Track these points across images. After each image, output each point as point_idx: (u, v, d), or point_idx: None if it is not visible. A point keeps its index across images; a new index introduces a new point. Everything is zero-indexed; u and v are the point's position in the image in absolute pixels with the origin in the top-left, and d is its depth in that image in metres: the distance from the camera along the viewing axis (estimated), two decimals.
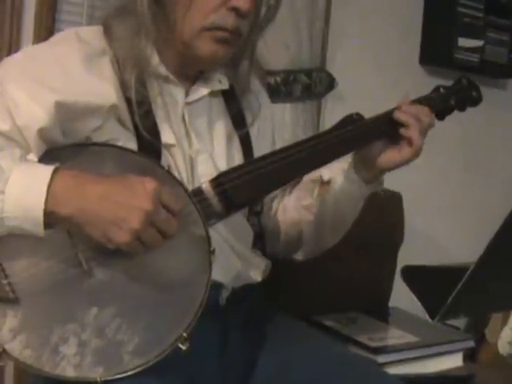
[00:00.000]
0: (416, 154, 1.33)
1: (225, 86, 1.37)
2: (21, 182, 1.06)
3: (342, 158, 1.35)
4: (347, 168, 1.38)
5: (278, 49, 2.14)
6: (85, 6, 1.94)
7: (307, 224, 1.45)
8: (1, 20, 1.82)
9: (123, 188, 1.08)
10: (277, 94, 2.17)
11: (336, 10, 2.31)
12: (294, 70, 2.22)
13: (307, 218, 1.45)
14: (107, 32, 1.26)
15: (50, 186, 1.06)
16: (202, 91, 1.33)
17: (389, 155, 1.34)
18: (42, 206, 1.05)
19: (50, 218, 1.07)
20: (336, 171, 1.40)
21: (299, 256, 1.51)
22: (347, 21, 2.37)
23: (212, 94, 1.35)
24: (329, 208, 1.41)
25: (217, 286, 1.28)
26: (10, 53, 1.80)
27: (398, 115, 1.33)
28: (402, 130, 1.32)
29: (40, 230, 1.07)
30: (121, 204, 1.07)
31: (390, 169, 1.35)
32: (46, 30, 1.87)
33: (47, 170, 1.07)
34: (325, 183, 1.42)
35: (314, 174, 1.42)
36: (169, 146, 1.26)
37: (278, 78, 2.19)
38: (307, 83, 2.24)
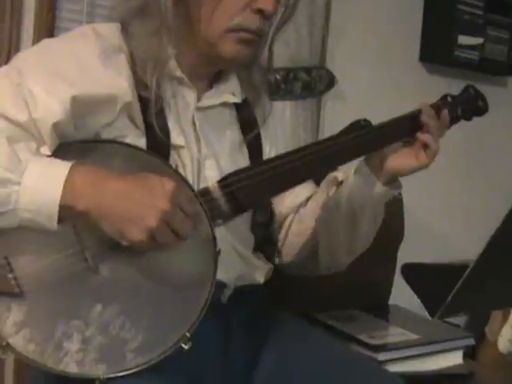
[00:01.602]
0: (432, 160, 1.32)
1: (238, 99, 1.37)
2: (38, 175, 1.06)
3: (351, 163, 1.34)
4: (362, 168, 1.36)
5: (277, 46, 2.13)
6: (85, 4, 1.94)
7: (322, 229, 1.42)
8: (0, 19, 1.82)
9: (142, 187, 1.09)
10: (277, 91, 2.17)
11: (336, 7, 2.30)
12: (293, 68, 2.22)
13: (323, 221, 1.41)
14: (124, 30, 1.26)
15: (67, 180, 1.06)
16: (214, 100, 1.33)
17: (405, 160, 1.32)
18: (57, 200, 1.06)
19: (65, 213, 1.07)
20: (351, 171, 1.38)
21: (315, 271, 1.48)
22: (347, 18, 2.37)
23: (224, 104, 1.36)
24: (343, 207, 1.37)
25: (219, 285, 1.27)
26: (9, 52, 1.80)
27: (424, 118, 1.32)
28: (420, 135, 1.31)
29: (53, 224, 1.07)
30: (139, 202, 1.07)
31: (406, 174, 1.34)
32: (46, 28, 1.87)
33: (65, 165, 1.08)
34: (340, 183, 1.40)
35: (329, 176, 1.41)
36: (178, 147, 1.26)
37: (278, 76, 2.19)
38: (307, 81, 2.24)
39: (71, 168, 1.07)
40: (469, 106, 1.43)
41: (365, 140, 1.32)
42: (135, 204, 1.07)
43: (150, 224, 1.06)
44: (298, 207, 1.47)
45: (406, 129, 1.34)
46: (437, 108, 1.38)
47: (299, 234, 1.45)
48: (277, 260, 1.48)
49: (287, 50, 2.20)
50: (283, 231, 1.47)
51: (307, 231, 1.44)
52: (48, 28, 1.87)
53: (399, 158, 1.33)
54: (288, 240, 1.47)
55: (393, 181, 1.36)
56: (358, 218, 1.37)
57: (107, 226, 1.08)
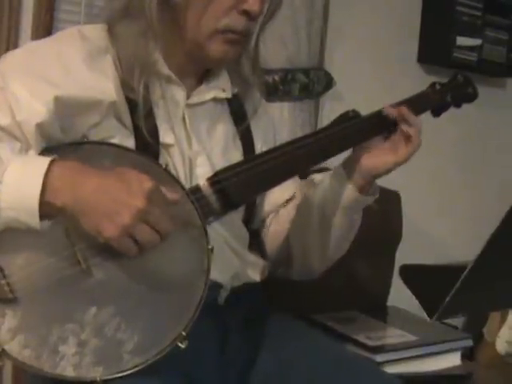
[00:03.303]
0: (412, 153, 1.31)
1: (228, 95, 1.37)
2: (18, 173, 1.06)
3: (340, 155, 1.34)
4: (339, 171, 1.35)
5: (276, 47, 2.14)
6: (83, 5, 1.94)
7: (294, 230, 1.42)
8: None
9: (119, 183, 1.08)
10: (275, 92, 2.17)
11: (334, 8, 2.31)
12: (292, 69, 2.22)
13: (295, 222, 1.41)
14: (111, 31, 1.26)
15: (46, 176, 1.06)
16: (204, 96, 1.33)
17: (383, 158, 1.31)
18: (37, 196, 1.05)
19: (46, 209, 1.07)
20: (327, 174, 1.38)
21: (289, 275, 1.48)
22: (345, 20, 2.37)
23: (215, 99, 1.36)
24: (315, 210, 1.37)
25: (216, 286, 1.28)
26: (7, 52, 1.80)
27: (402, 111, 1.31)
28: (405, 127, 1.31)
29: (35, 221, 1.06)
30: (115, 198, 1.07)
31: (382, 172, 1.32)
32: (44, 29, 1.87)
33: (44, 161, 1.08)
34: (315, 184, 1.40)
35: (308, 178, 1.42)
36: (167, 146, 1.26)
37: (276, 77, 2.19)
38: (305, 82, 2.24)
39: (50, 163, 1.07)
40: (458, 93, 1.42)
41: (354, 130, 1.32)
42: (111, 200, 1.06)
43: (124, 221, 1.06)
44: (280, 207, 1.46)
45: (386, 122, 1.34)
46: (426, 95, 1.39)
47: (275, 236, 1.46)
48: None
49: (285, 51, 2.20)
50: (265, 230, 1.47)
51: (282, 234, 1.44)
52: (46, 29, 1.87)
53: (375, 156, 1.32)
54: (267, 240, 1.47)
55: (368, 186, 1.34)
56: (330, 223, 1.37)
57: (84, 221, 1.07)
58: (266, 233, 1.47)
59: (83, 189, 1.07)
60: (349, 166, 1.34)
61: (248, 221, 1.42)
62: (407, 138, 1.30)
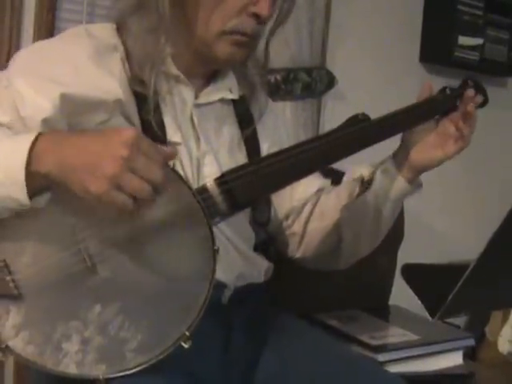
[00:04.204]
0: (460, 152, 1.33)
1: (235, 95, 1.37)
2: (5, 148, 1.05)
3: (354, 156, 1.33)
4: (389, 166, 1.38)
5: (278, 47, 2.12)
6: (85, 5, 1.94)
7: (347, 226, 1.42)
8: (0, 19, 1.82)
9: (99, 138, 1.06)
10: (277, 92, 2.17)
11: (336, 7, 2.31)
12: (294, 68, 2.22)
13: (347, 219, 1.41)
14: (121, 29, 1.26)
15: (32, 147, 1.04)
16: (212, 96, 1.34)
17: (432, 153, 1.33)
18: (23, 167, 1.03)
19: (33, 180, 1.05)
20: (377, 170, 1.39)
21: (335, 266, 1.48)
22: (347, 19, 2.37)
23: (222, 100, 1.36)
24: (369, 209, 1.38)
25: (220, 286, 1.27)
26: (9, 52, 1.80)
27: (470, 109, 1.33)
28: (462, 126, 1.32)
29: (24, 194, 1.04)
30: (95, 152, 1.04)
31: (431, 168, 1.35)
32: (47, 28, 1.87)
33: (31, 134, 1.06)
34: (365, 182, 1.40)
35: (354, 173, 1.42)
36: (174, 145, 1.26)
37: (278, 76, 2.19)
38: (307, 81, 2.24)
39: (38, 135, 1.06)
40: None
41: (364, 133, 1.31)
42: (91, 155, 1.04)
43: (110, 172, 1.02)
44: (318, 197, 1.46)
45: (410, 120, 1.35)
46: (436, 100, 1.39)
47: (322, 230, 1.45)
48: (296, 254, 1.49)
49: (288, 50, 2.20)
50: (299, 225, 1.47)
51: (330, 227, 1.43)
52: (48, 28, 1.87)
53: (424, 152, 1.34)
54: (309, 235, 1.46)
55: (415, 178, 1.37)
56: (381, 214, 1.39)
57: (70, 183, 1.04)
58: (302, 228, 1.47)
59: (63, 151, 1.05)
60: (398, 162, 1.37)
61: (262, 223, 1.41)
62: (460, 136, 1.33)
